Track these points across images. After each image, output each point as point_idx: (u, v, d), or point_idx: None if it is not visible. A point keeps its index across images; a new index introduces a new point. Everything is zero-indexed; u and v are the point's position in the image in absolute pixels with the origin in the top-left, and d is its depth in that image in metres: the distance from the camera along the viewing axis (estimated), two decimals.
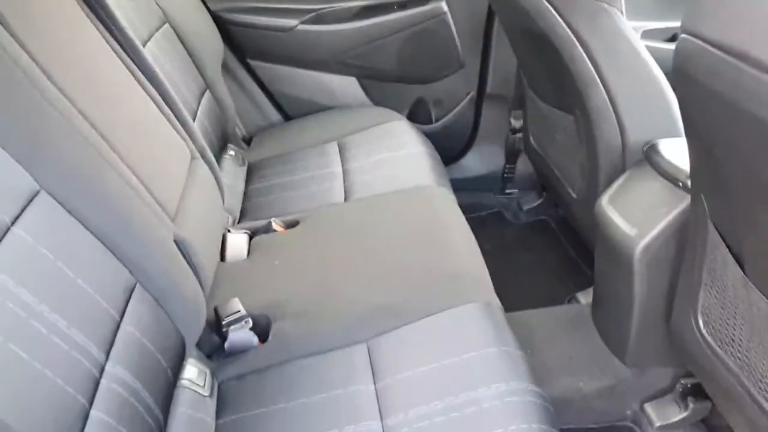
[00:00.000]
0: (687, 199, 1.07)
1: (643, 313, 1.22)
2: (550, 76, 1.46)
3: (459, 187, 1.63)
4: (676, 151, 1.18)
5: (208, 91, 1.64)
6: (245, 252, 1.33)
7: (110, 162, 0.89)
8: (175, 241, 0.98)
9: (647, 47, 1.27)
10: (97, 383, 0.74)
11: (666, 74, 1.24)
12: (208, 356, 1.09)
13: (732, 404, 1.03)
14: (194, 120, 1.49)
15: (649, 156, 1.22)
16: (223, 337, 1.08)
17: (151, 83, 1.15)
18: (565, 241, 1.96)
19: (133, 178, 0.93)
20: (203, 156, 1.24)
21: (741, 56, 0.65)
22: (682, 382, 1.30)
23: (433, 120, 2.08)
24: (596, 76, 1.25)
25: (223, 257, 1.31)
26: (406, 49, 1.95)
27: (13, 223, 0.71)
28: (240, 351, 1.07)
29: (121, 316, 0.83)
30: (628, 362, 1.31)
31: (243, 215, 1.52)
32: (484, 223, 2.06)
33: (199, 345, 1.07)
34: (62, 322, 0.71)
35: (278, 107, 2.05)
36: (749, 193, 0.77)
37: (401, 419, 0.89)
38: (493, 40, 1.94)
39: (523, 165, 2.09)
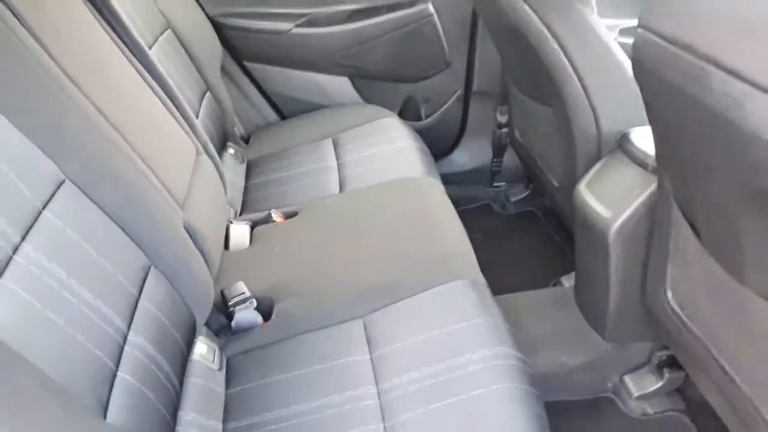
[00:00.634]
0: (656, 182, 1.15)
1: (620, 290, 1.30)
2: (530, 72, 1.53)
3: (449, 180, 1.69)
4: (645, 139, 1.25)
5: (208, 92, 1.72)
6: (247, 241, 1.41)
7: (125, 154, 0.98)
8: (185, 227, 1.07)
9: (622, 44, 1.36)
10: (121, 349, 0.82)
11: None
12: (216, 334, 1.17)
13: (700, 370, 1.12)
14: (197, 119, 1.57)
15: (622, 144, 1.30)
16: (230, 317, 1.17)
17: (158, 84, 1.24)
18: (550, 230, 2.03)
19: (146, 169, 1.02)
20: (207, 151, 1.33)
21: (685, 47, 0.74)
22: (658, 354, 1.39)
23: (423, 117, 2.14)
24: (571, 70, 1.32)
25: (227, 246, 1.39)
26: (396, 49, 2.02)
27: (44, 207, 0.80)
28: (246, 329, 1.15)
29: (139, 294, 0.91)
30: (607, 338, 1.40)
31: (244, 208, 1.60)
32: (473, 214, 2.13)
33: (208, 324, 1.15)
34: (89, 295, 0.80)
35: (274, 107, 2.12)
36: (699, 170, 0.86)
37: (394, 384, 0.98)
38: (478, 39, 2.01)
39: (509, 159, 2.16)
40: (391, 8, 1.98)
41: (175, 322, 0.98)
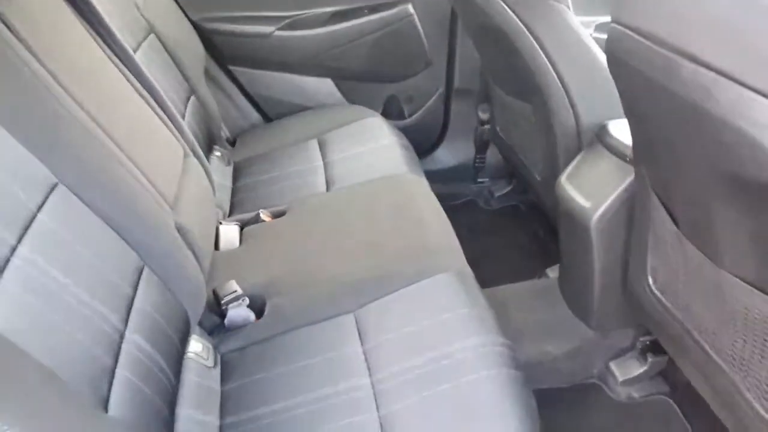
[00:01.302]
0: (634, 172, 1.19)
1: (603, 278, 1.34)
2: (509, 69, 1.57)
3: (433, 178, 1.72)
4: (623, 131, 1.29)
5: (193, 96, 1.74)
6: (237, 241, 1.43)
7: (116, 158, 0.99)
8: (176, 228, 1.08)
9: (598, 40, 1.39)
10: (119, 347, 0.84)
11: None
12: (210, 334, 1.19)
13: (682, 352, 1.16)
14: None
15: (601, 136, 1.34)
16: (223, 316, 1.19)
17: (145, 88, 1.25)
18: (534, 224, 2.08)
19: (137, 172, 1.03)
20: (194, 153, 1.35)
21: (657, 40, 0.77)
22: (641, 340, 1.43)
23: (406, 116, 2.17)
24: (549, 66, 1.36)
25: (217, 247, 1.40)
26: (377, 50, 2.05)
27: (38, 210, 0.81)
28: (239, 326, 1.17)
29: (134, 293, 0.93)
30: (592, 325, 1.44)
31: (232, 210, 1.61)
32: (458, 210, 2.14)
33: (201, 324, 1.17)
34: (85, 295, 0.81)
35: (259, 109, 2.13)
36: (672, 158, 0.90)
37: (387, 374, 1.00)
38: (457, 38, 2.05)
39: (492, 155, 2.19)
40: (372, 9, 2.01)
41: (169, 320, 0.99)
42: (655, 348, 1.41)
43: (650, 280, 1.18)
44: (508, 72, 1.62)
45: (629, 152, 1.22)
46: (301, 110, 2.08)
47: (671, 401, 1.41)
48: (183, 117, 1.62)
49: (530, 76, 1.41)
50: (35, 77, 0.89)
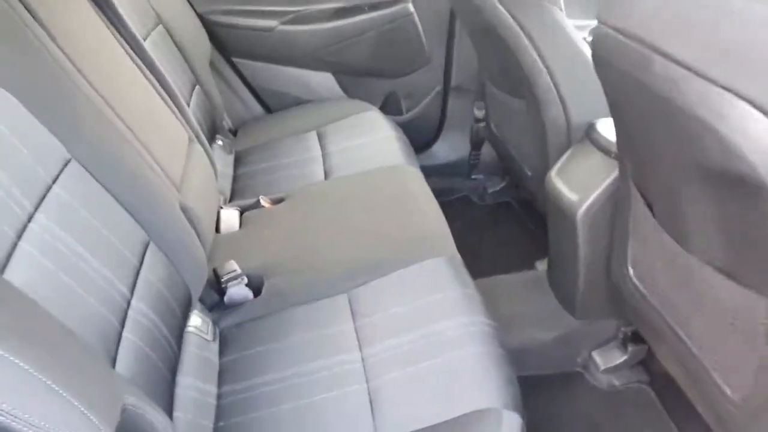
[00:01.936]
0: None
1: (588, 270, 1.38)
2: (504, 67, 1.62)
3: (429, 173, 1.75)
4: (610, 129, 1.34)
5: (198, 86, 1.79)
6: (237, 225, 1.49)
7: (126, 138, 1.05)
8: (181, 208, 1.14)
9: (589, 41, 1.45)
10: (125, 313, 0.90)
11: None
12: (210, 310, 1.24)
13: (660, 340, 1.21)
14: None
15: (589, 133, 1.39)
16: (222, 293, 1.24)
17: (153, 75, 1.31)
18: (526, 219, 2.13)
19: (145, 152, 1.09)
20: (198, 139, 1.41)
21: (633, 37, 0.83)
22: (623, 330, 1.48)
23: (404, 111, 2.22)
24: (542, 65, 1.41)
25: (217, 230, 1.46)
26: (377, 46, 2.10)
27: (53, 182, 0.87)
28: (238, 304, 1.23)
29: (140, 265, 0.99)
30: (577, 316, 1.49)
31: (233, 196, 1.66)
32: (453, 205, 2.19)
33: (202, 301, 1.23)
34: (96, 263, 0.87)
35: (261, 101, 2.19)
36: (648, 149, 0.96)
37: (377, 349, 1.06)
38: (456, 38, 2.10)
39: (487, 152, 2.24)
40: (373, 7, 2.05)
41: (172, 293, 1.05)
42: (636, 338, 1.46)
43: (630, 270, 1.23)
44: (503, 70, 1.67)
45: (614, 148, 1.27)
46: (301, 103, 2.14)
47: (650, 389, 1.47)
48: (188, 105, 1.68)
49: (523, 74, 1.46)
50: (53, 58, 0.95)
